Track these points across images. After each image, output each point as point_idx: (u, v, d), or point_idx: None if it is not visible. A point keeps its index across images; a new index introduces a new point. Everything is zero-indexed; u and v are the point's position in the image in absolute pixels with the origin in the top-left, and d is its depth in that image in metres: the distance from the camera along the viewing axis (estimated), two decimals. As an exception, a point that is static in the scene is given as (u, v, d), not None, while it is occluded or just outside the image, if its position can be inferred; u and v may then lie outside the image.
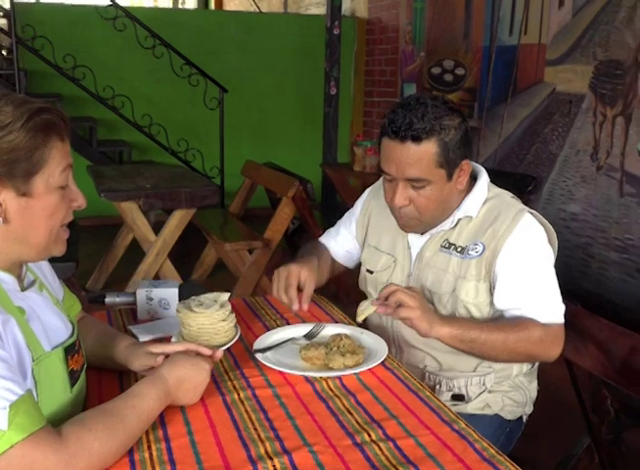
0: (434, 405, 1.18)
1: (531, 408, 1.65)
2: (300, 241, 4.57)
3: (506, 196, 1.55)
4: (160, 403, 1.10)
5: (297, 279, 1.50)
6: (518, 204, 1.52)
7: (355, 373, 1.29)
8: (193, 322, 1.38)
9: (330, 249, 1.78)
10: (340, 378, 1.28)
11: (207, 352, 1.23)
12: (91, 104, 5.48)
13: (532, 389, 1.65)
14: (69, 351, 1.10)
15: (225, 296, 1.46)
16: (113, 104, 5.43)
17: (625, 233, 3.58)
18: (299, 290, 1.52)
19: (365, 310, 1.40)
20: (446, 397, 1.54)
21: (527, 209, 1.50)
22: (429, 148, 1.40)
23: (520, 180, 3.98)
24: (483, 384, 1.54)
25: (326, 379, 1.27)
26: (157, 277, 3.72)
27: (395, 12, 5.88)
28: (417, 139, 1.39)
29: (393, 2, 5.90)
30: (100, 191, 3.43)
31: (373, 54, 6.41)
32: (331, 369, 1.30)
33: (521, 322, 1.43)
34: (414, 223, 1.52)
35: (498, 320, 1.48)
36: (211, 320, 1.39)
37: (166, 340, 1.44)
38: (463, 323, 1.42)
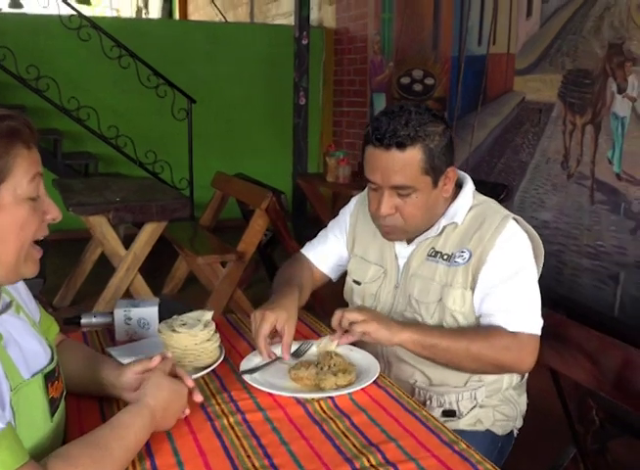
0: (432, 426, 1.14)
1: (521, 422, 1.63)
2: (274, 252, 4.52)
3: (491, 203, 1.53)
4: (147, 432, 1.04)
5: (272, 327, 1.39)
6: (503, 210, 1.50)
7: (348, 393, 1.24)
8: (176, 343, 1.33)
9: (313, 260, 1.73)
10: (332, 399, 1.23)
11: (191, 383, 1.16)
12: (55, 116, 5.36)
13: (522, 402, 1.62)
14: (50, 377, 1.03)
15: (209, 314, 1.40)
16: (78, 115, 5.32)
17: (597, 240, 3.61)
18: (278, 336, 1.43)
19: (326, 347, 1.39)
20: (437, 413, 1.50)
21: (513, 215, 1.49)
22: (414, 155, 1.38)
23: (491, 189, 3.99)
24: (475, 398, 1.50)
25: (318, 400, 1.23)
26: (127, 293, 3.63)
27: (363, 22, 5.89)
28: (402, 146, 1.37)
29: (361, 12, 5.90)
30: (68, 205, 3.33)
31: (342, 64, 6.41)
32: (322, 389, 1.26)
33: (486, 330, 1.41)
34: (399, 232, 1.49)
35: (464, 328, 1.46)
36: (195, 341, 1.33)
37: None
38: (424, 328, 1.41)
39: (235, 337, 1.57)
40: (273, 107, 6.43)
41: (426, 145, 1.38)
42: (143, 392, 1.08)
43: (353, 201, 1.75)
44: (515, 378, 1.57)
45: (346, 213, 1.73)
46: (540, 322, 1.43)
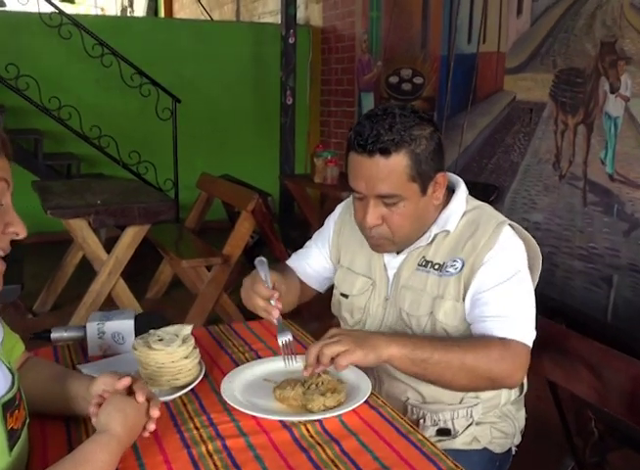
0: (429, 451, 1.05)
1: (520, 439, 1.54)
2: (261, 255, 4.43)
3: (486, 208, 1.44)
4: (115, 462, 0.95)
5: (264, 283, 1.35)
6: (498, 216, 1.41)
7: (338, 415, 1.15)
8: (152, 361, 1.23)
9: (300, 272, 1.64)
10: (320, 422, 1.14)
11: (141, 399, 1.05)
12: (36, 115, 5.22)
13: (520, 418, 1.54)
14: (8, 406, 0.93)
15: (187, 329, 1.31)
16: (59, 115, 5.19)
17: (589, 242, 3.55)
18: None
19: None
20: (431, 431, 1.41)
21: (508, 221, 1.40)
22: (399, 161, 1.29)
23: (482, 190, 3.93)
24: (471, 416, 1.42)
25: (305, 423, 1.13)
26: (109, 298, 3.52)
27: (351, 20, 5.80)
28: (386, 152, 1.28)
29: (348, 10, 5.82)
30: (46, 208, 3.22)
31: (329, 63, 6.32)
32: (309, 411, 1.17)
33: (479, 338, 1.31)
34: (387, 243, 1.40)
35: (457, 338, 1.36)
36: (173, 358, 1.24)
37: (122, 381, 1.28)
38: (413, 340, 1.26)
39: (216, 350, 1.47)
40: (260, 106, 6.33)
41: (412, 150, 1.29)
42: (107, 418, 0.99)
43: (338, 208, 1.65)
44: (513, 393, 1.49)
45: (330, 222, 1.64)
46: (533, 334, 1.33)
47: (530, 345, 1.30)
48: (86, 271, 3.69)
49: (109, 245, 3.60)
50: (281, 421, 1.14)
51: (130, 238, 3.44)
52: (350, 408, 1.16)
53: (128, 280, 4.19)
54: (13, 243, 0.99)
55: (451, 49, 4.59)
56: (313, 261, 1.63)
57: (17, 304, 3.95)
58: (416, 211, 1.35)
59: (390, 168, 1.29)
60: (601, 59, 3.40)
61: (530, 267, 1.40)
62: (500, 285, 1.32)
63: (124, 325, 1.43)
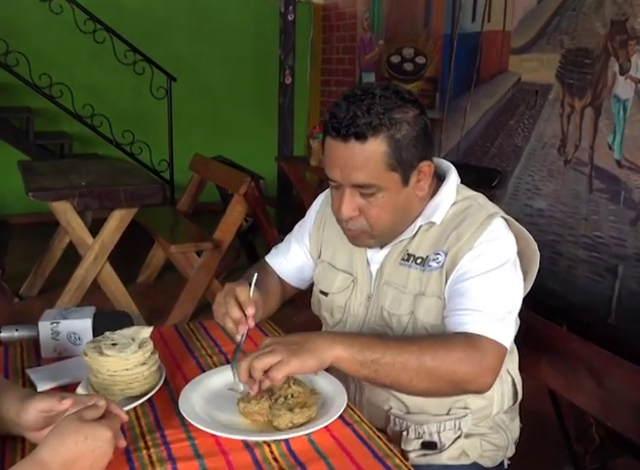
0: (407, 479, 0.93)
1: (513, 451, 1.41)
2: (255, 239, 4.30)
3: (479, 198, 1.29)
4: None
5: (234, 297, 1.19)
6: (491, 207, 1.26)
7: (307, 434, 1.03)
8: (103, 369, 1.11)
9: (278, 270, 1.51)
10: (287, 441, 1.01)
11: (124, 417, 0.94)
12: (27, 93, 5.08)
13: (514, 428, 1.41)
14: None
15: (146, 331, 1.18)
16: (50, 93, 5.04)
17: (594, 230, 3.41)
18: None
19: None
20: (415, 445, 1.29)
21: (502, 213, 1.25)
22: (376, 147, 1.15)
23: (484, 175, 3.79)
24: (459, 428, 1.29)
25: (269, 443, 1.01)
26: (95, 283, 3.40)
27: (353, -3, 5.62)
28: (361, 137, 1.14)
29: (350, -13, 5.63)
30: (28, 190, 3.09)
31: (330, 41, 6.13)
32: (276, 428, 1.04)
33: (444, 336, 1.16)
34: (365, 237, 1.26)
35: (415, 335, 1.23)
36: (127, 365, 1.11)
37: (71, 388, 1.16)
38: (361, 339, 1.12)
39: (182, 353, 1.34)
40: (258, 86, 6.15)
41: (391, 135, 1.15)
42: (43, 442, 0.86)
43: (320, 197, 1.51)
44: (506, 401, 1.36)
45: (312, 213, 1.50)
46: (511, 335, 1.19)
47: (507, 345, 1.16)
48: (75, 254, 3.57)
49: (96, 227, 3.47)
50: (243, 441, 1.01)
51: (117, 221, 3.31)
52: (321, 426, 1.04)
53: (120, 264, 4.08)
54: None
55: (455, 28, 4.42)
56: (292, 257, 1.50)
57: (2, 287, 3.84)
58: (396, 203, 1.21)
59: (367, 155, 1.15)
60: (611, 38, 3.23)
61: (525, 269, 1.27)
62: (481, 276, 1.18)
63: (81, 325, 1.30)
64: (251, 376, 1.05)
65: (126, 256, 4.60)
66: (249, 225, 4.19)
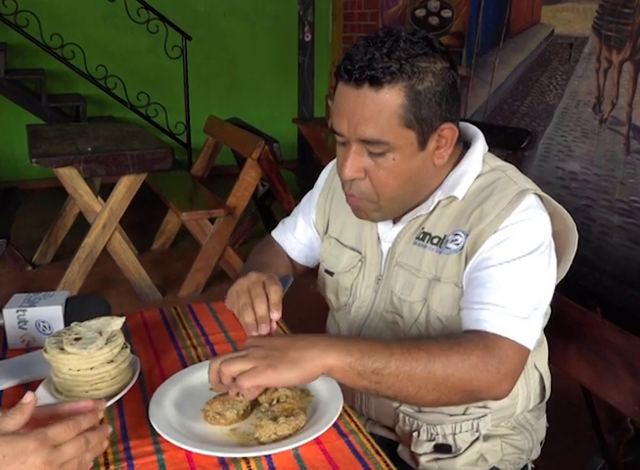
0: (407, 510, 0.78)
1: (539, 452, 1.25)
2: (272, 205, 4.14)
3: (509, 170, 1.10)
4: None
5: (265, 292, 1.02)
6: (524, 182, 1.07)
7: (293, 448, 0.88)
8: (64, 367, 0.97)
9: (286, 247, 1.35)
10: (268, 457, 0.87)
11: (103, 411, 0.80)
12: (39, 54, 4.93)
13: (541, 428, 1.25)
14: None
15: (117, 322, 1.03)
16: (62, 54, 4.90)
17: (631, 195, 3.18)
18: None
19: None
20: (427, 448, 1.13)
21: (536, 189, 1.06)
22: (391, 97, 0.97)
23: (513, 135, 3.56)
24: (477, 430, 1.13)
25: (248, 460, 0.86)
26: (105, 252, 3.29)
27: (375, -53, 5.32)
28: (376, 83, 0.96)
29: (373, -64, 5.32)
30: (32, 156, 2.96)
31: (352, -5, 5.85)
32: (256, 440, 0.90)
33: (458, 337, 0.99)
34: (369, 206, 1.09)
35: (424, 337, 1.06)
36: (91, 364, 0.97)
37: (33, 386, 1.02)
38: (361, 344, 0.93)
39: (164, 343, 1.20)
40: (277, 44, 5.93)
41: (411, 85, 0.97)
42: None
43: (330, 165, 1.33)
44: (533, 398, 1.18)
45: (320, 183, 1.33)
46: (537, 334, 1.01)
47: (530, 347, 0.98)
48: (88, 222, 3.46)
49: (106, 192, 3.34)
50: (219, 458, 0.86)
51: (125, 188, 3.18)
52: (310, 439, 0.88)
53: (133, 231, 3.96)
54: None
55: (483, -23, 4.13)
56: (299, 234, 1.34)
57: (15, 255, 3.76)
58: (409, 168, 1.03)
59: (380, 106, 0.98)
60: (654, -15, 2.96)
61: (560, 253, 1.09)
62: (506, 264, 0.99)
63: (51, 312, 1.16)
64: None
65: (142, 222, 4.49)
66: (265, 190, 4.03)
